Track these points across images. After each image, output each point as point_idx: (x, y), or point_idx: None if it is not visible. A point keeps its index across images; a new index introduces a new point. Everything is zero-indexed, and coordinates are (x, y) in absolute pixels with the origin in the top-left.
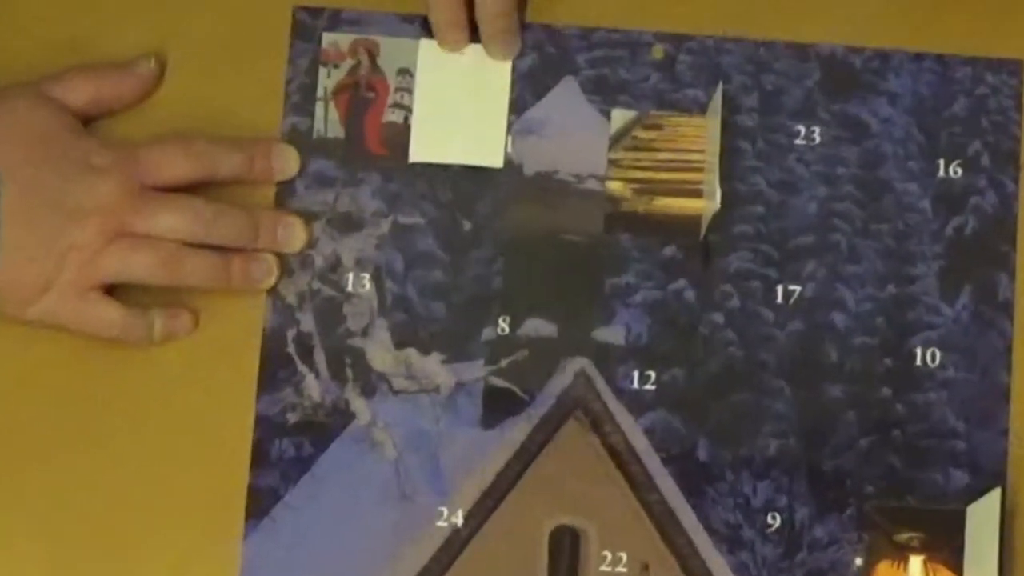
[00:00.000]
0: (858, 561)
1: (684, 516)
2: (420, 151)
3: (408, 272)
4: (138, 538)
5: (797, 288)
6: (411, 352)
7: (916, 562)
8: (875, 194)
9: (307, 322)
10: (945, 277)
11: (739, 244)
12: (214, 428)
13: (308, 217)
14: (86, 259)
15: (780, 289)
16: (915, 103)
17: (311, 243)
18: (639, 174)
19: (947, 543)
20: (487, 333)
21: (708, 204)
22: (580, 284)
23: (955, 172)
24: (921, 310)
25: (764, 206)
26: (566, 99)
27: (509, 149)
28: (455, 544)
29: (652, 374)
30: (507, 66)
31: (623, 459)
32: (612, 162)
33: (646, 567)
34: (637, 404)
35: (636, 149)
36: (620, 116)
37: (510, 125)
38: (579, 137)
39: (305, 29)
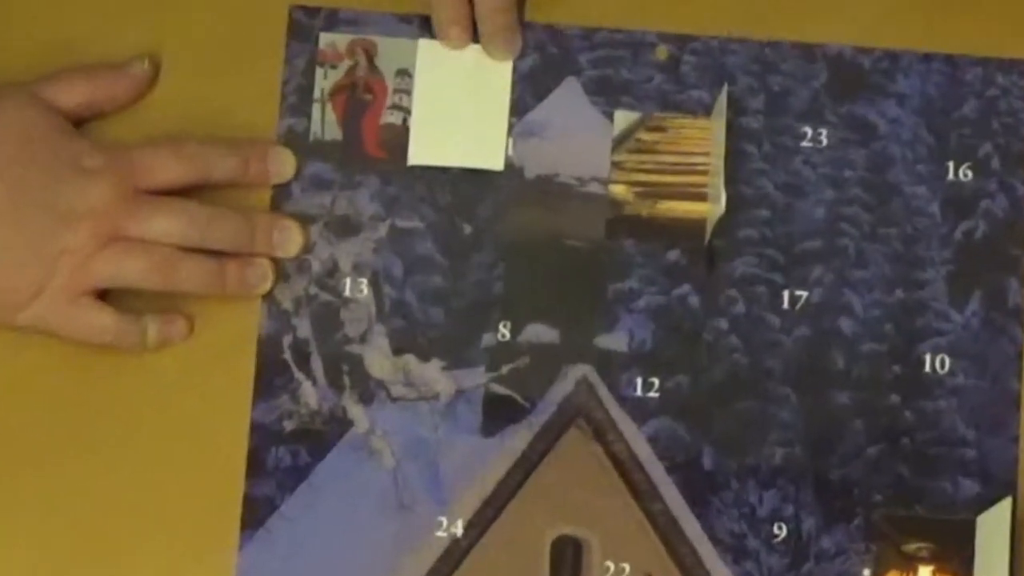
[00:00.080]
0: (866, 572)
1: (688, 526)
2: (419, 153)
3: (407, 277)
4: (131, 548)
5: (803, 293)
6: (410, 359)
7: (925, 573)
8: (883, 197)
9: (303, 328)
10: (954, 282)
11: (744, 248)
12: (209, 436)
13: (305, 221)
14: (78, 264)
15: (786, 294)
16: (924, 104)
17: (308, 247)
18: (642, 177)
19: (957, 553)
20: (487, 339)
21: (713, 208)
22: (582, 289)
23: (965, 175)
24: (930, 316)
25: (770, 210)
26: (568, 100)
27: (510, 151)
28: (455, 554)
29: (655, 381)
30: (508, 67)
31: (626, 468)
32: (615, 165)
33: None
34: (640, 412)
35: (639, 151)
36: (623, 118)
37: (511, 127)
38: (581, 139)
39: (302, 29)
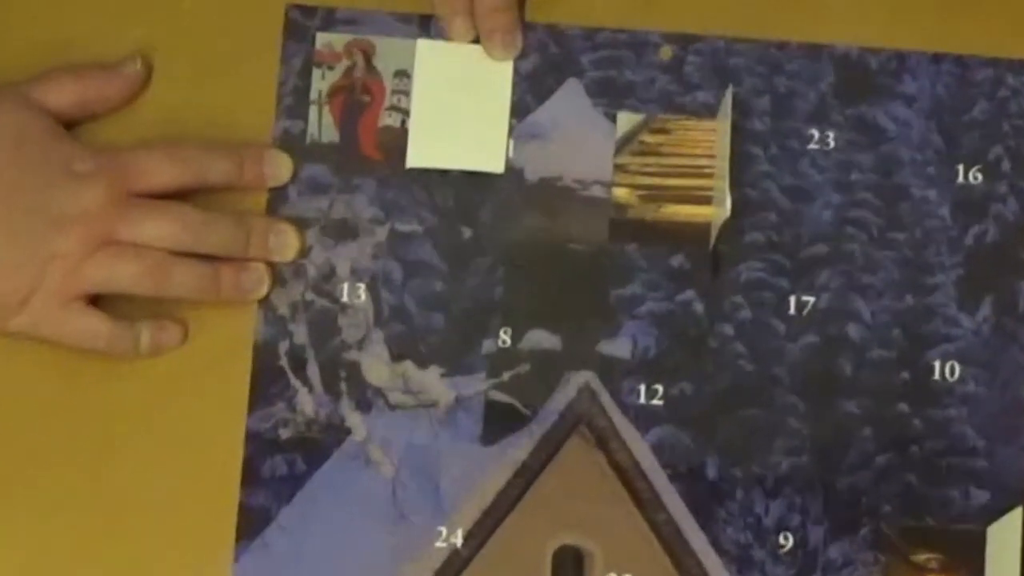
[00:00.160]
0: None
1: (693, 536)
2: (418, 156)
3: (405, 282)
4: (124, 559)
5: (810, 299)
6: (408, 365)
7: None
8: (891, 201)
9: (300, 334)
10: (965, 287)
11: (750, 253)
12: (203, 445)
13: (301, 225)
14: (70, 268)
15: (793, 300)
16: (933, 106)
17: (304, 252)
18: (646, 180)
19: (967, 564)
20: (487, 346)
21: (718, 211)
22: (584, 295)
23: (975, 178)
24: (939, 322)
25: (776, 214)
26: (570, 102)
27: (510, 154)
28: (455, 565)
29: (659, 388)
30: (508, 67)
31: (629, 477)
32: (618, 167)
33: None
34: (644, 420)
35: (643, 154)
36: (626, 120)
37: (511, 129)
38: (583, 141)
39: (298, 29)
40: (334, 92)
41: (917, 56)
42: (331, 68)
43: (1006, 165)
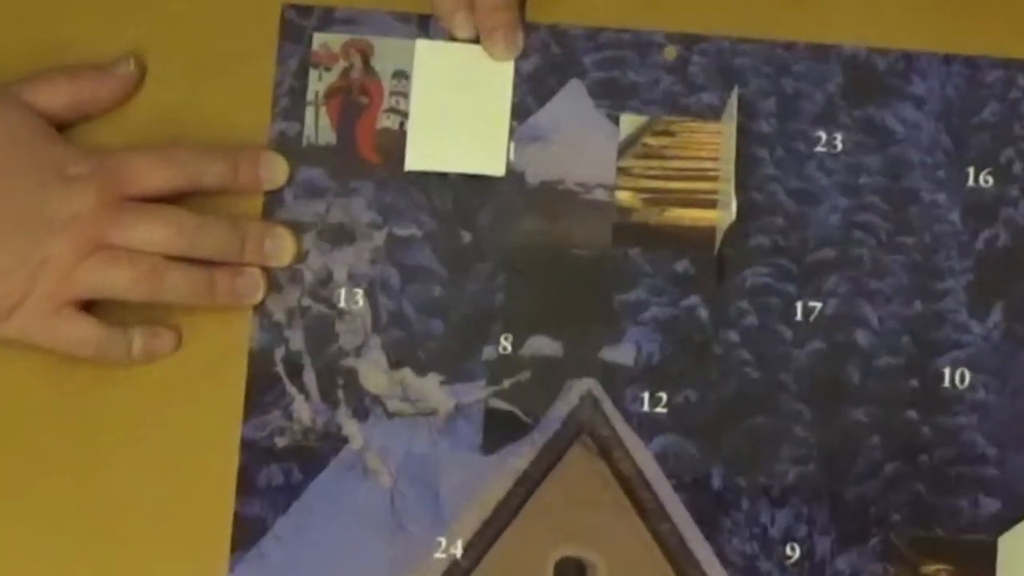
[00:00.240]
0: None
1: (697, 547)
2: (417, 159)
3: (404, 287)
4: (117, 570)
5: (817, 305)
6: (407, 373)
7: None
8: (900, 205)
9: (296, 341)
10: (975, 293)
11: (756, 258)
12: (197, 453)
13: (297, 229)
14: (61, 273)
15: (799, 306)
16: (943, 108)
17: (301, 257)
18: (650, 183)
19: (977, 575)
20: (488, 352)
21: (723, 215)
22: (587, 300)
23: (986, 181)
24: (949, 328)
25: (782, 217)
26: (572, 103)
27: (511, 157)
28: None
29: (663, 396)
30: (509, 68)
31: (632, 486)
32: (621, 170)
33: None
34: (647, 428)
35: (647, 157)
36: (629, 122)
37: (512, 131)
38: (586, 144)
39: (294, 29)
40: (331, 93)
41: (926, 57)
42: (328, 69)
43: (1017, 168)
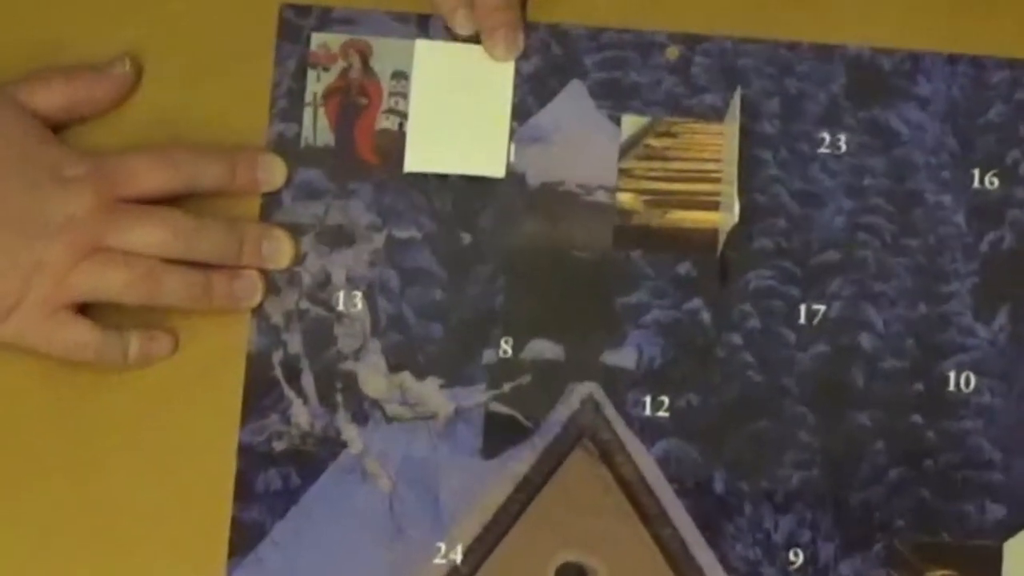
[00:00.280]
0: None
1: (700, 552)
2: (416, 160)
3: (403, 290)
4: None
5: (821, 308)
6: (406, 376)
7: None
8: (905, 207)
9: (294, 344)
10: (980, 296)
11: (759, 260)
12: (194, 458)
13: (296, 231)
14: (57, 276)
15: (803, 309)
16: (948, 109)
17: (299, 259)
18: (652, 185)
19: None
20: (488, 356)
21: (726, 217)
22: (588, 303)
23: (991, 183)
24: (954, 331)
25: (786, 219)
26: (573, 104)
27: (512, 158)
28: None
29: (665, 400)
30: (509, 69)
31: (634, 491)
32: (622, 172)
33: None
34: (649, 432)
35: (648, 158)
36: (631, 123)
37: (513, 132)
38: (587, 145)
39: (292, 29)
40: (329, 94)
41: (931, 57)
42: (326, 69)
43: (1023, 169)
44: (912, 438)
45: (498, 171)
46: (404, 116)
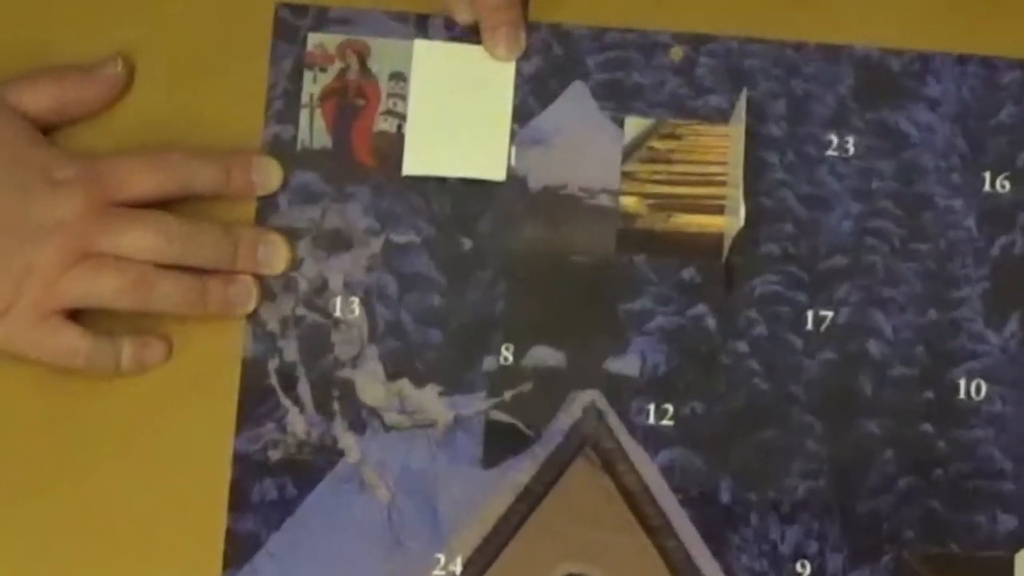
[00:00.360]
0: None
1: (705, 564)
2: (415, 163)
3: (402, 296)
4: None
5: (829, 314)
6: (405, 384)
7: None
8: (914, 210)
9: (291, 351)
10: (992, 301)
11: (765, 265)
12: (188, 467)
13: (292, 235)
14: (47, 281)
15: (810, 315)
16: (958, 110)
17: (295, 264)
18: (655, 188)
19: None
20: (488, 363)
21: (731, 221)
22: (590, 309)
23: (1002, 186)
24: (965, 338)
25: (793, 224)
26: (575, 106)
27: (512, 161)
28: None
29: (670, 408)
30: (510, 70)
31: (637, 501)
32: (626, 175)
33: None
34: (653, 441)
35: (652, 161)
36: (634, 125)
37: (513, 135)
38: (589, 148)
39: (288, 29)
40: (326, 95)
41: (941, 57)
42: (323, 70)
43: None
44: (922, 447)
45: (498, 174)
46: (403, 118)
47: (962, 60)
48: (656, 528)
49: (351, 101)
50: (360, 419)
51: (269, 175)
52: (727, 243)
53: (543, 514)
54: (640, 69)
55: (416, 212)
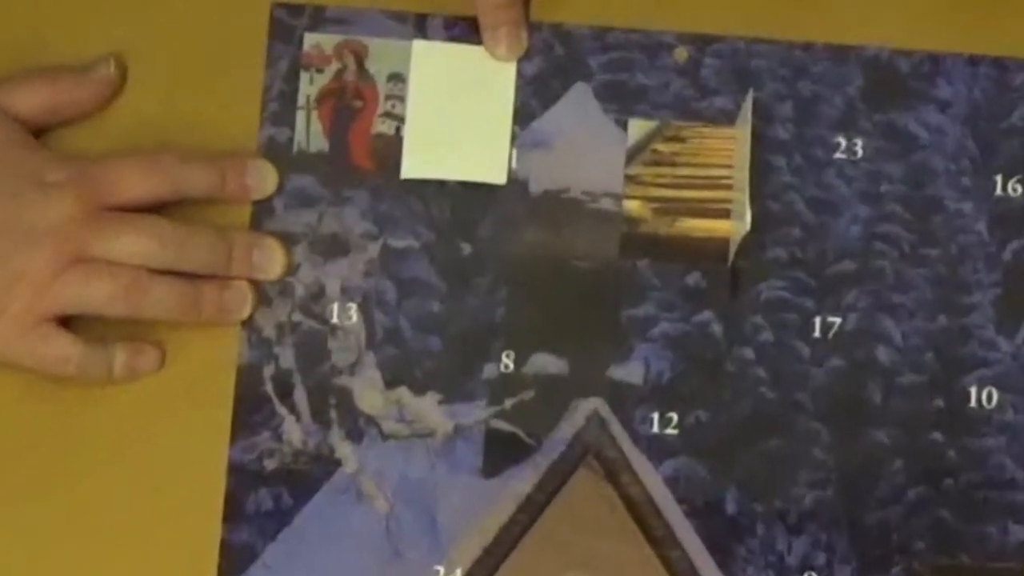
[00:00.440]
0: None
1: (710, 575)
2: (413, 166)
3: (400, 302)
4: None
5: (837, 320)
6: (403, 392)
7: None
8: (924, 214)
9: (286, 358)
10: (1003, 307)
11: (772, 271)
12: (182, 477)
13: (288, 240)
14: (38, 287)
15: (818, 321)
16: (969, 112)
17: (291, 269)
18: (660, 192)
19: None
20: (489, 371)
21: (737, 226)
22: (593, 315)
23: (1014, 190)
24: (976, 345)
25: (800, 228)
26: (577, 107)
27: (513, 164)
28: None
29: (674, 416)
30: (511, 70)
31: (641, 512)
32: (629, 178)
33: None
34: (657, 450)
35: (656, 164)
36: (638, 127)
37: (514, 137)
38: (592, 150)
39: (284, 29)
40: (323, 97)
41: (952, 58)
42: (320, 71)
43: None
44: (932, 456)
45: (499, 177)
46: (401, 120)
47: (973, 61)
48: (660, 539)
49: (348, 103)
50: (358, 428)
51: (264, 179)
52: (733, 248)
53: (545, 525)
54: (644, 70)
55: (415, 216)
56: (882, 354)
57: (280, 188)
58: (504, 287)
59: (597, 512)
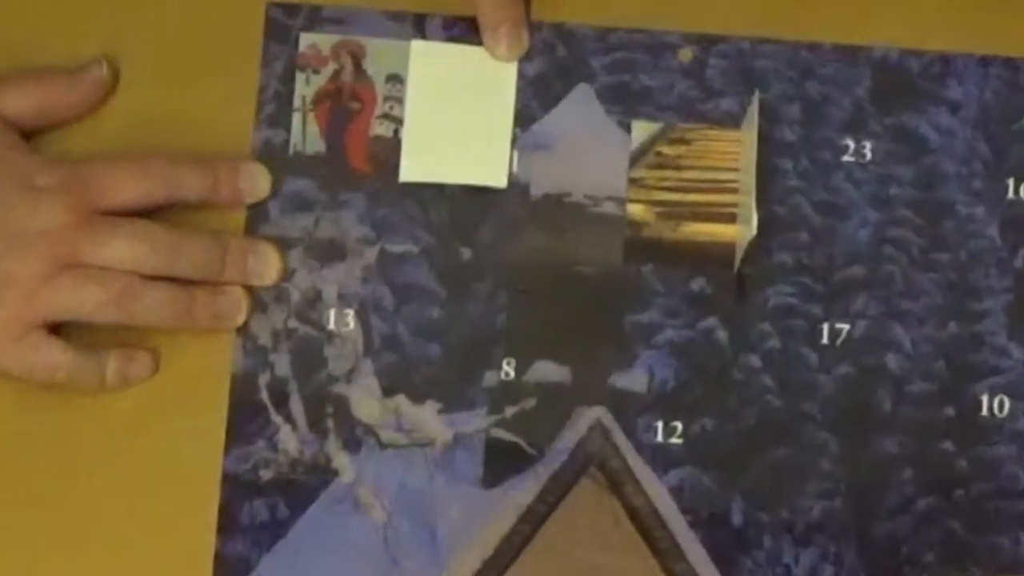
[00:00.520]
0: None
1: None
2: (412, 169)
3: (398, 308)
4: None
5: (845, 327)
6: (402, 400)
7: None
8: (934, 218)
9: (282, 366)
10: (1015, 314)
11: (778, 276)
12: (175, 487)
13: (283, 245)
14: (28, 293)
15: (826, 328)
16: (981, 114)
17: (287, 275)
18: (664, 196)
19: None
20: (489, 378)
21: (743, 230)
22: (596, 322)
23: None
24: (987, 352)
25: (807, 232)
26: (580, 109)
27: (514, 167)
28: None
29: (679, 425)
30: (512, 71)
31: (645, 523)
32: (633, 182)
33: None
34: (661, 460)
35: (660, 167)
36: (642, 129)
37: (515, 139)
38: (595, 153)
39: (280, 29)
40: (320, 99)
41: (963, 59)
42: (316, 72)
43: None
44: (942, 466)
45: (500, 181)
46: (399, 122)
47: (984, 61)
48: (665, 551)
49: (346, 104)
50: (355, 437)
51: (257, 182)
52: (739, 253)
53: (546, 536)
54: (648, 71)
55: (413, 221)
56: (891, 361)
57: (276, 191)
58: (505, 293)
59: (600, 523)
